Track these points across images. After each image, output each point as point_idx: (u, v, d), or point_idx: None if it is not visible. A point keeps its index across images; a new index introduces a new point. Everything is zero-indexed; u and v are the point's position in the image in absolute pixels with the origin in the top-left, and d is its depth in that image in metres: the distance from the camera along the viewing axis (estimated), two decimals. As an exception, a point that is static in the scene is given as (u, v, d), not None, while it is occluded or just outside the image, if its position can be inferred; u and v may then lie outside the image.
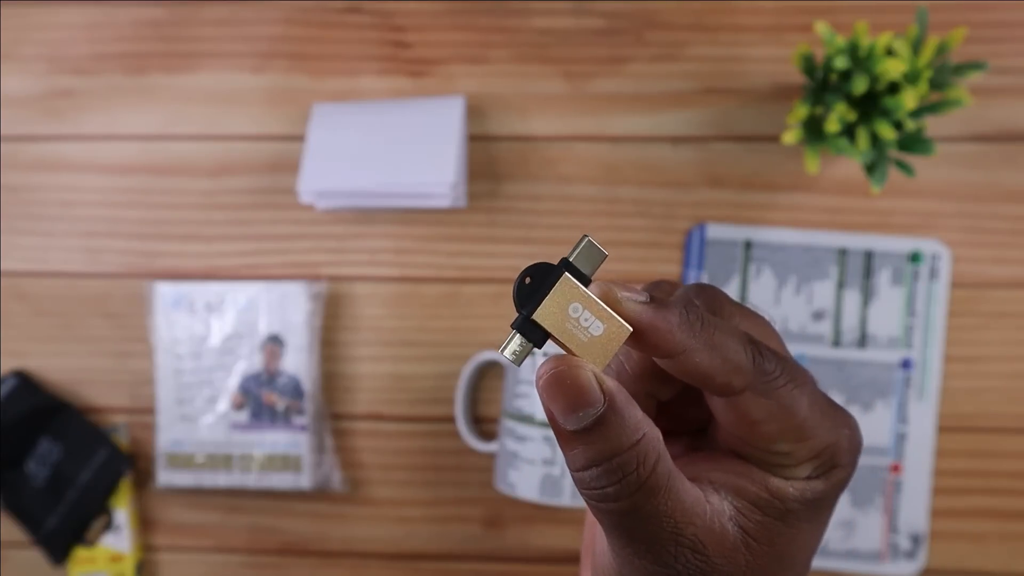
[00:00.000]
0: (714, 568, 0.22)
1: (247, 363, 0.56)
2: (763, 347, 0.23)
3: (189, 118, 0.58)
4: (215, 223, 0.58)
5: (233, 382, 0.56)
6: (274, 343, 0.56)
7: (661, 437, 0.22)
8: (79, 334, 0.59)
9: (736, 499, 0.23)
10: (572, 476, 0.22)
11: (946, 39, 0.47)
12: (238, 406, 0.56)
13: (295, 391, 0.56)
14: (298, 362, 0.56)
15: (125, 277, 0.58)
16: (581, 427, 0.21)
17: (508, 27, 0.57)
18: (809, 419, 0.23)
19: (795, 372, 0.23)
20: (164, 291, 0.56)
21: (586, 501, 0.22)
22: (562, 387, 0.21)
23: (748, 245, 0.56)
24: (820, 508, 0.24)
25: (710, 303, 0.24)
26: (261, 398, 0.56)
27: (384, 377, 0.57)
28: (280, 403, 0.56)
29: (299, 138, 0.57)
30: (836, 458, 0.24)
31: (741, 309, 0.25)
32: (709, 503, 0.23)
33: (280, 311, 0.56)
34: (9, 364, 0.59)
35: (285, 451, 0.56)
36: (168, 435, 0.57)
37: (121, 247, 0.58)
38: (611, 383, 0.21)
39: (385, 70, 0.57)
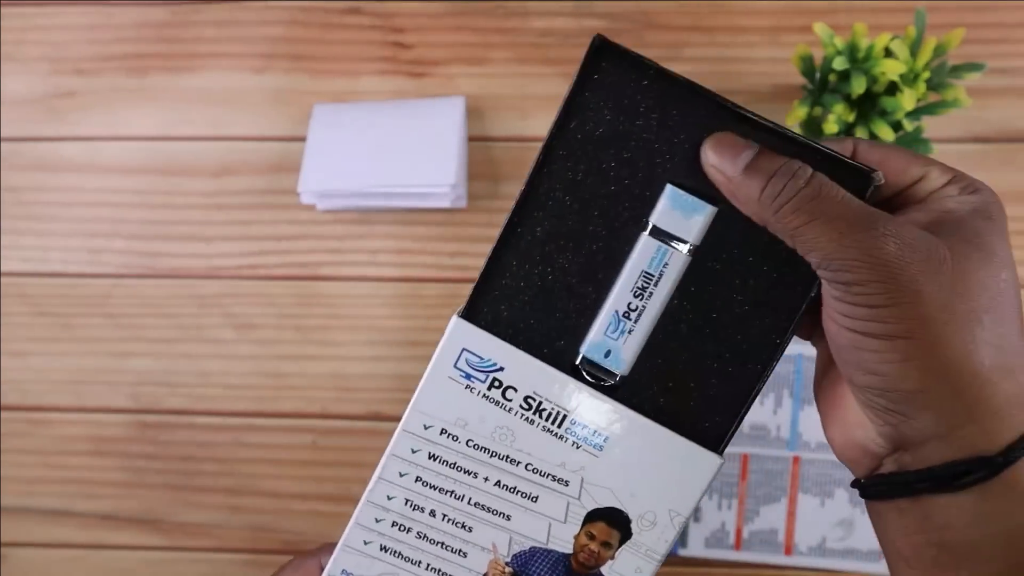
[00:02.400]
0: (916, 240, 0.24)
1: (546, 533, 0.30)
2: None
3: (190, 119, 0.58)
4: (216, 223, 0.58)
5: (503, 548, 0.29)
6: (614, 528, 0.29)
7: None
8: (79, 334, 0.59)
9: (917, 225, 0.25)
10: (760, 206, 0.26)
11: (944, 40, 0.47)
12: None
13: None
14: (634, 572, 0.29)
15: (126, 277, 0.58)
16: (749, 161, 0.26)
17: (508, 28, 0.57)
18: (920, 155, 0.27)
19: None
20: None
21: (780, 221, 0.25)
22: (725, 146, 0.26)
23: (747, 245, 0.56)
24: (991, 219, 0.26)
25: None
26: None
27: (384, 377, 0.57)
28: None
29: (300, 139, 0.57)
30: (975, 183, 0.27)
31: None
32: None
33: None
34: (9, 364, 0.59)
35: None
36: None
37: (122, 247, 0.58)
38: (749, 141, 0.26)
39: (385, 71, 0.58)
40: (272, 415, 0.58)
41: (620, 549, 0.29)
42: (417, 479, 0.30)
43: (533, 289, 0.28)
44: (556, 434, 0.29)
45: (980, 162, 0.55)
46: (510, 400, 0.29)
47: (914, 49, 0.48)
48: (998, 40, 0.55)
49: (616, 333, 0.28)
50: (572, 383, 0.28)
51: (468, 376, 0.29)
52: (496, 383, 0.29)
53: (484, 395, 0.29)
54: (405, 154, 0.54)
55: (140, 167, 0.58)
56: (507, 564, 0.30)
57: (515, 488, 0.29)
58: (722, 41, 0.56)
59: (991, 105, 0.55)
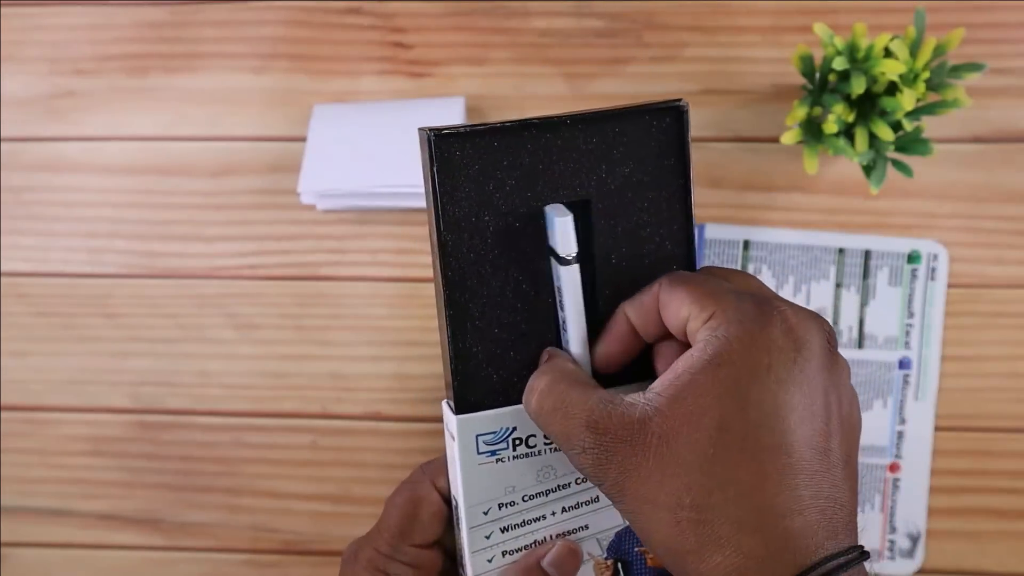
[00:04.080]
0: (614, 443, 0.26)
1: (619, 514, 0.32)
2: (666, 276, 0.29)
3: (190, 119, 0.58)
4: (216, 223, 0.58)
5: (593, 546, 0.33)
6: None
7: (561, 366, 0.29)
8: (79, 334, 0.59)
9: (659, 381, 0.26)
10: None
11: (944, 40, 0.47)
12: None
13: None
14: None
15: (126, 277, 0.58)
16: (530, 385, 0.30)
17: (508, 28, 0.57)
18: (698, 287, 0.27)
19: (685, 275, 0.29)
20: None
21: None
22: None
23: (747, 245, 0.56)
24: (720, 366, 0.25)
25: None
26: (645, 561, 0.33)
27: (384, 377, 0.57)
28: None
29: (300, 139, 0.57)
30: (733, 315, 0.26)
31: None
32: (622, 399, 0.27)
33: None
34: (9, 364, 0.59)
35: None
36: None
37: (122, 247, 0.58)
38: (551, 351, 0.30)
39: (385, 71, 0.58)
40: (272, 415, 0.58)
41: None
42: (504, 553, 0.32)
43: (499, 356, 0.30)
44: None
45: (979, 162, 0.55)
46: (534, 446, 0.31)
47: (914, 49, 0.48)
48: (998, 40, 0.55)
49: (567, 343, 0.31)
50: None
51: (493, 453, 0.31)
52: (518, 441, 0.31)
53: (514, 457, 0.31)
54: (405, 154, 0.54)
55: (140, 167, 0.58)
56: (607, 559, 0.33)
57: (578, 503, 0.32)
58: (722, 41, 0.56)
59: (991, 105, 0.55)
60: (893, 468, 0.55)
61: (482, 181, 0.29)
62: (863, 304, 0.55)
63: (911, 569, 0.55)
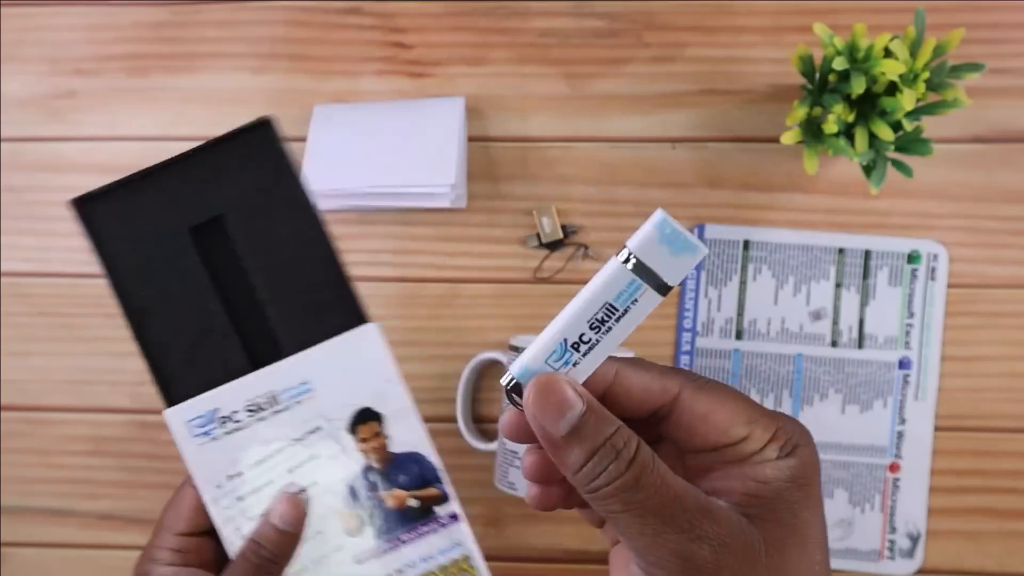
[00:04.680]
0: (732, 538, 0.24)
1: (343, 464, 0.38)
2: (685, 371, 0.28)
3: (190, 119, 0.58)
4: (216, 223, 0.58)
5: (332, 499, 0.38)
6: (371, 421, 0.38)
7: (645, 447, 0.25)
8: (80, 334, 0.59)
9: (729, 497, 0.25)
10: (575, 481, 0.24)
11: (944, 40, 0.47)
12: (354, 528, 0.38)
13: (421, 472, 0.39)
14: (408, 430, 0.38)
15: (126, 277, 0.58)
16: (571, 428, 0.24)
17: (508, 28, 0.57)
18: (747, 405, 0.26)
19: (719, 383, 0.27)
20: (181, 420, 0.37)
21: (594, 501, 0.24)
22: (548, 402, 0.24)
23: (747, 245, 0.56)
24: (805, 487, 0.25)
25: None
26: (384, 504, 0.38)
27: (384, 377, 0.57)
28: (412, 500, 0.38)
29: (300, 139, 0.57)
30: (794, 438, 0.26)
31: None
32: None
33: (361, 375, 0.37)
34: (9, 364, 0.59)
35: (449, 561, 0.40)
36: None
37: (122, 247, 0.58)
38: (582, 389, 0.25)
39: (385, 71, 0.58)
40: (272, 415, 0.58)
41: (387, 428, 0.37)
42: (249, 520, 0.36)
43: (187, 358, 0.36)
44: (282, 408, 0.36)
45: (979, 162, 0.55)
46: (240, 421, 0.36)
47: (914, 49, 0.48)
48: (998, 40, 0.55)
49: (559, 363, 0.25)
50: (257, 375, 0.36)
51: (207, 433, 0.36)
52: (224, 419, 0.36)
53: (226, 433, 0.36)
54: (405, 154, 0.54)
55: (140, 167, 0.58)
56: (348, 511, 0.37)
57: (300, 463, 0.37)
58: (722, 41, 0.56)
59: (991, 105, 0.55)
60: (893, 468, 0.55)
61: (129, 223, 0.36)
62: (863, 304, 0.55)
63: (911, 569, 0.55)
